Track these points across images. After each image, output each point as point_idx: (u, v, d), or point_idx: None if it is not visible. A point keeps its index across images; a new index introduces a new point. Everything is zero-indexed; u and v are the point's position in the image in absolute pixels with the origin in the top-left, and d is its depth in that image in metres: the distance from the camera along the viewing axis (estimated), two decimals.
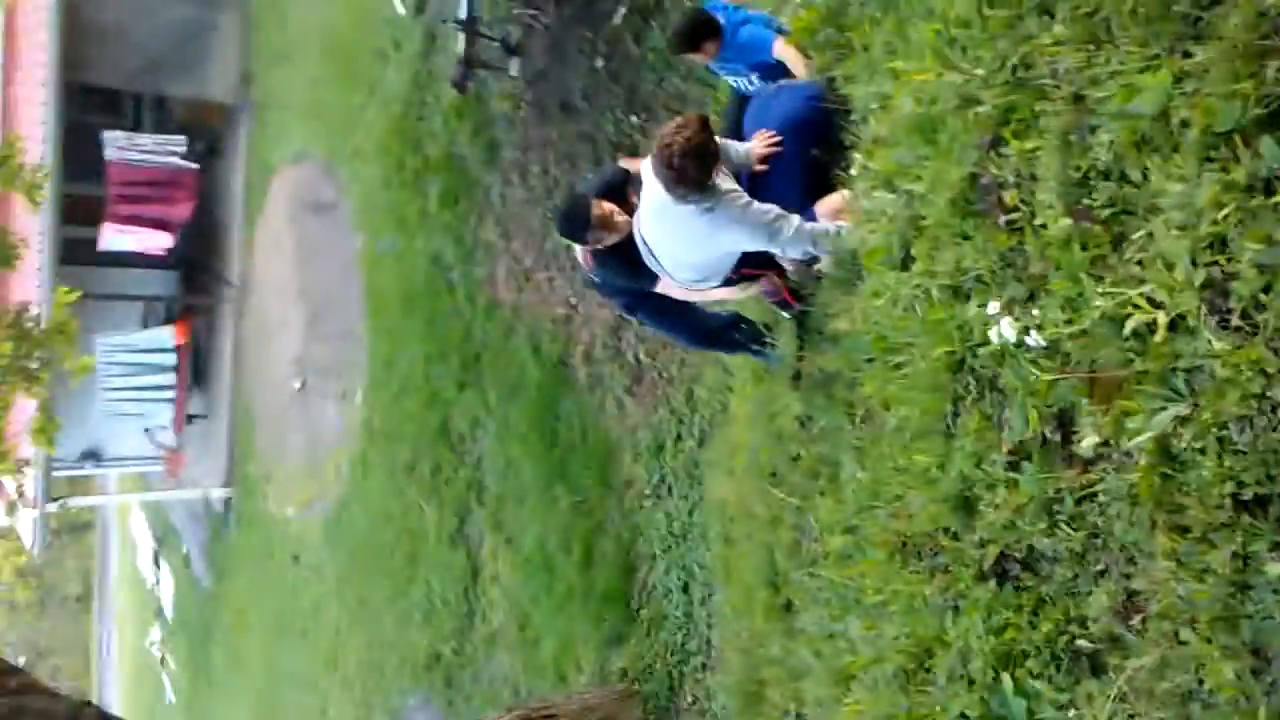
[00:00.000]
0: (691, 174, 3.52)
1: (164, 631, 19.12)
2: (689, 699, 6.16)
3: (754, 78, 4.79)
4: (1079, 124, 2.33)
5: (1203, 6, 2.12)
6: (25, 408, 9.97)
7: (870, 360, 3.10)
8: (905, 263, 2.91)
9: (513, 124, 8.74)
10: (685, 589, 6.37)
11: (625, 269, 4.55)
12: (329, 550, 11.94)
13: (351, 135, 11.58)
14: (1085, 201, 2.32)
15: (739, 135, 4.33)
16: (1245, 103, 2.00)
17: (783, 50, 4.53)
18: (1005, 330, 2.42)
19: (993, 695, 2.45)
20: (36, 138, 12.45)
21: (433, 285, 9.85)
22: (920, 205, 2.81)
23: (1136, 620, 2.19)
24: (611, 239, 4.42)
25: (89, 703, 4.54)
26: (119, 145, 13.86)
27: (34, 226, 12.08)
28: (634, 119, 7.27)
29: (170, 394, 14.94)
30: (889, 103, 3.06)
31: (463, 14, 8.48)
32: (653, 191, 3.87)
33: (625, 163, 4.82)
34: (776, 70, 4.58)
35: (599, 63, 7.61)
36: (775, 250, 3.82)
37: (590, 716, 6.36)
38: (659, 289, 4.57)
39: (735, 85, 4.99)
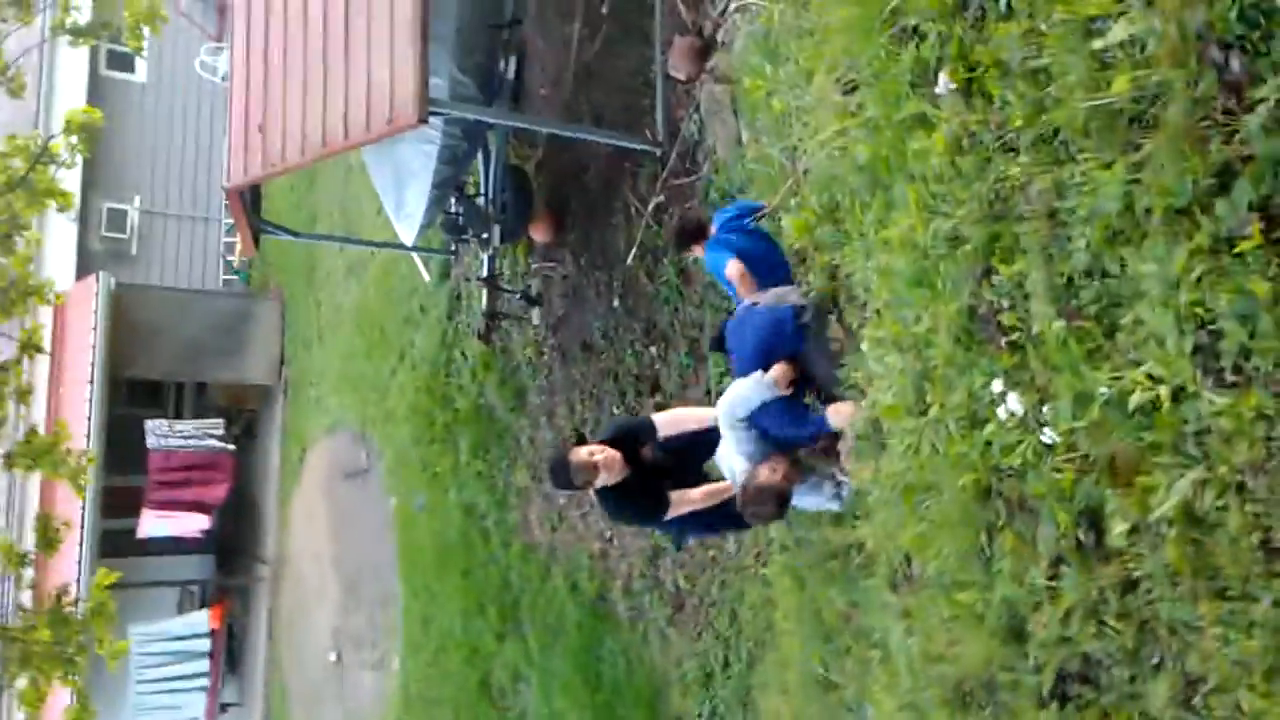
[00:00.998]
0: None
1: None
2: None
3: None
4: (1056, 236, 2.50)
5: (1143, 107, 2.31)
6: (61, 696, 9.75)
7: (902, 522, 3.09)
8: (923, 410, 2.98)
9: (537, 370, 9.02)
10: None
11: (623, 503, 4.82)
12: None
13: (384, 400, 11.93)
14: (1074, 303, 2.46)
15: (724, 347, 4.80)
16: (1195, 177, 2.17)
17: (732, 273, 5.01)
18: (1013, 404, 2.49)
19: None
20: (81, 432, 12.89)
21: (467, 536, 9.82)
22: (926, 351, 2.91)
23: (1199, 701, 2.11)
24: (602, 479, 4.53)
25: None
26: (159, 433, 14.32)
27: (75, 515, 12.29)
28: (653, 350, 7.50)
29: (203, 682, 14.60)
30: (885, 271, 3.22)
31: (484, 272, 8.98)
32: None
33: (660, 419, 4.96)
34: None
35: (615, 302, 7.95)
36: None
37: None
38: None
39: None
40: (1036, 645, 2.54)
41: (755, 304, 4.55)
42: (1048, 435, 2.45)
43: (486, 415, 9.74)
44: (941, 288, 2.87)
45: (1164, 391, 2.21)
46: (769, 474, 3.95)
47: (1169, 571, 2.22)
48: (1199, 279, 2.14)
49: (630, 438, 4.75)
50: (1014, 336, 2.64)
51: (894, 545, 3.23)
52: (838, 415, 4.02)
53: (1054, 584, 2.52)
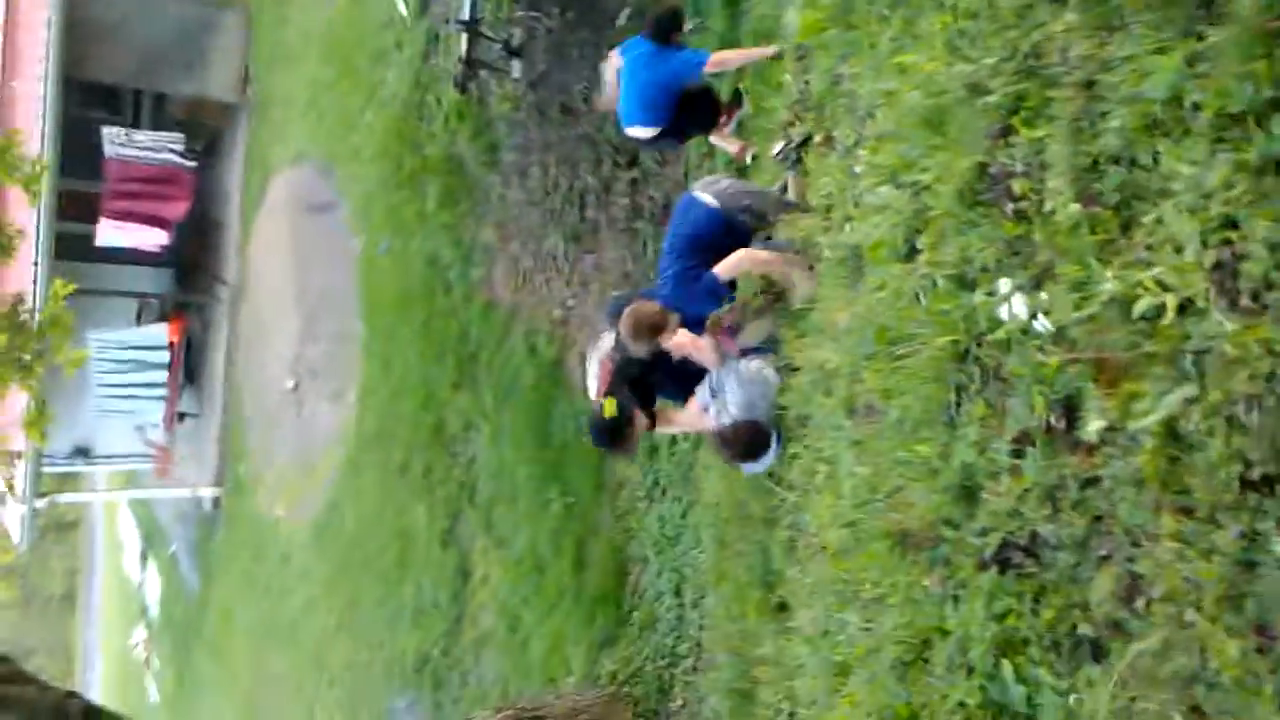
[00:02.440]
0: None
1: (149, 632, 19.01)
2: (679, 702, 6.13)
3: None
4: (1089, 110, 2.33)
5: None
6: (17, 401, 9.91)
7: (870, 356, 3.10)
8: (910, 255, 2.92)
9: (513, 126, 8.74)
10: (677, 591, 6.34)
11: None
12: (318, 551, 11.89)
13: (350, 136, 11.58)
14: (1095, 187, 2.32)
15: None
16: (1257, 84, 2.00)
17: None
18: (1017, 307, 2.41)
19: (992, 683, 2.44)
20: (35, 132, 12.43)
21: (429, 286, 9.84)
22: (927, 197, 2.82)
23: (1140, 604, 2.18)
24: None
25: (74, 693, 4.50)
26: (117, 142, 13.86)
27: (30, 220, 12.06)
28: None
29: (162, 391, 14.90)
30: (895, 98, 3.07)
31: (465, 15, 8.49)
32: None
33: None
34: None
35: (600, 65, 7.63)
36: None
37: (579, 718, 6.33)
38: None
39: None
40: (987, 512, 2.59)
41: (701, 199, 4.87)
42: (1040, 323, 2.39)
43: (457, 166, 9.52)
44: (954, 136, 2.73)
45: (1171, 301, 2.12)
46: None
47: (1137, 477, 2.22)
48: (1237, 195, 2.01)
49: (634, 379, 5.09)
50: (1022, 206, 2.52)
51: (856, 374, 3.26)
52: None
53: (1016, 460, 2.53)
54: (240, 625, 14.03)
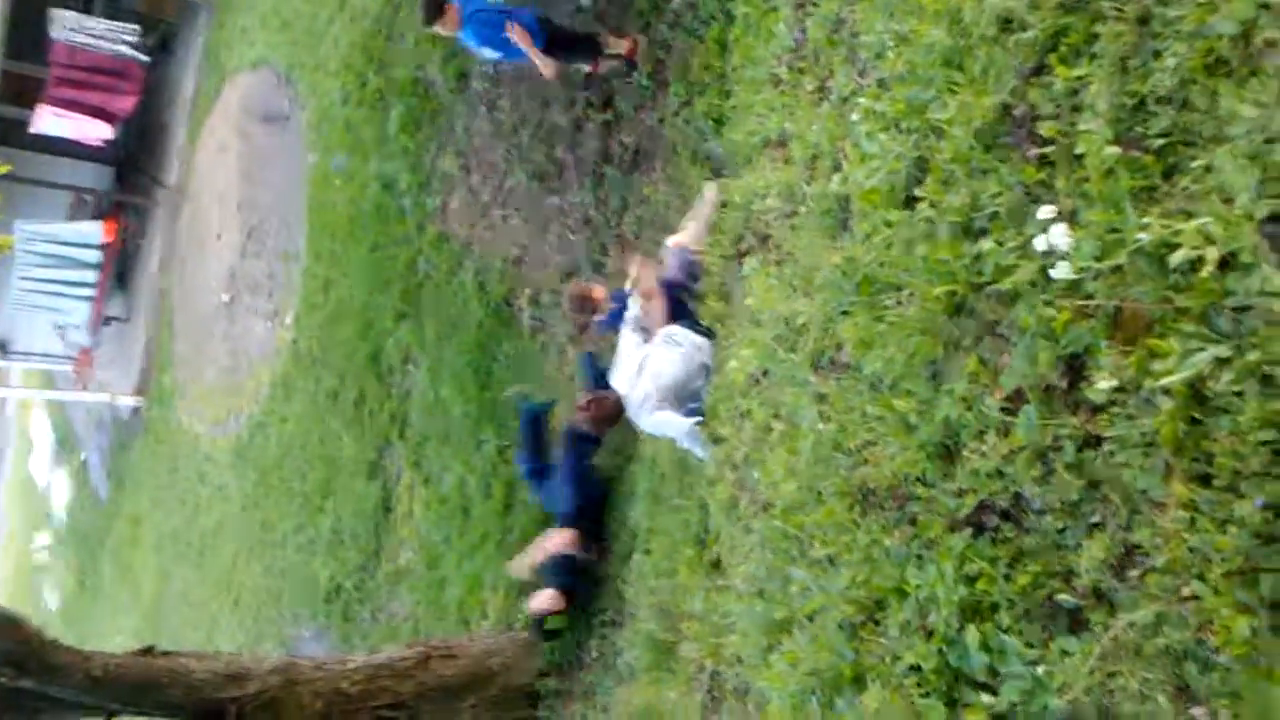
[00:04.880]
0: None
1: (53, 538, 18.47)
2: (593, 654, 6.04)
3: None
4: (1141, 47, 2.18)
5: None
6: None
7: (849, 308, 2.97)
8: (908, 203, 2.77)
9: None
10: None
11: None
12: (237, 471, 11.57)
13: (316, 47, 11.16)
14: (1137, 130, 2.18)
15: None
16: None
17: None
18: (1057, 238, 2.21)
19: (951, 648, 2.34)
20: None
21: (382, 210, 9.54)
22: (933, 142, 2.67)
23: (1134, 574, 2.07)
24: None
25: None
26: (67, 26, 13.23)
27: None
28: (613, 63, 7.06)
29: (89, 292, 14.35)
30: (910, 39, 2.92)
31: None
32: None
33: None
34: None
35: (584, 1, 7.39)
36: None
37: (491, 660, 6.21)
38: None
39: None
40: (967, 472, 2.46)
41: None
42: (1059, 269, 2.22)
43: (423, 90, 9.20)
44: (977, 75, 2.57)
45: (1212, 254, 1.97)
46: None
47: (1147, 440, 2.09)
48: None
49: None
50: (1048, 150, 2.36)
51: (830, 328, 3.13)
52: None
53: (1008, 419, 2.40)
54: (148, 539, 13.66)
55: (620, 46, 6.79)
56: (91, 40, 13.35)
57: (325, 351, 10.19)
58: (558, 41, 6.69)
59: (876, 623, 2.60)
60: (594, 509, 6.18)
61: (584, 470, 6.24)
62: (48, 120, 13.36)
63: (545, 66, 6.62)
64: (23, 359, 15.98)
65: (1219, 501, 1.97)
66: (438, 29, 6.67)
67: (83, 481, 16.92)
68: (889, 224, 2.80)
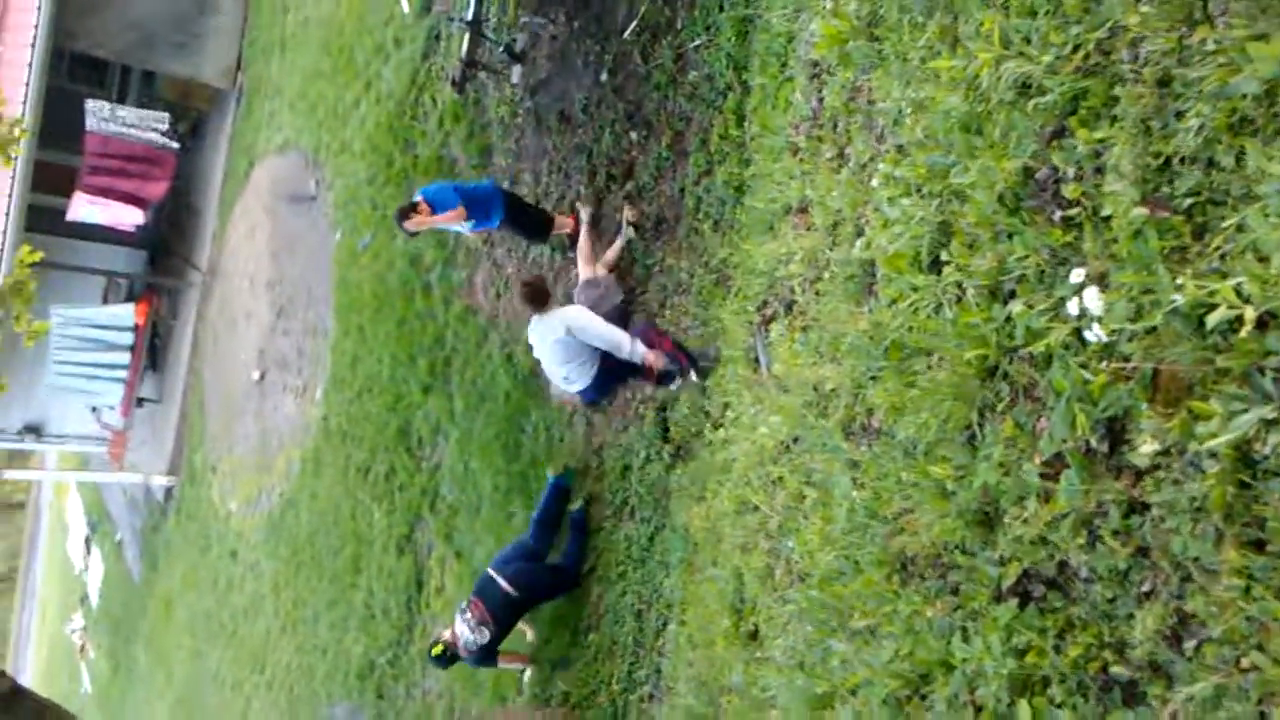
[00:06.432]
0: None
1: (87, 620, 18.49)
2: None
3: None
4: (1162, 108, 2.18)
5: None
6: None
7: (879, 374, 2.95)
8: (934, 267, 2.77)
9: (508, 130, 8.60)
10: (638, 615, 6.16)
11: None
12: (269, 548, 11.58)
13: (342, 129, 11.40)
14: (1164, 190, 2.16)
15: None
16: None
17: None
18: (1090, 301, 2.19)
19: None
20: (17, 99, 12.17)
21: (408, 286, 9.65)
22: (955, 207, 2.67)
23: (1190, 645, 2.01)
24: None
25: (2, 672, 4.28)
26: (100, 116, 13.61)
27: (2, 187, 11.79)
28: (633, 135, 7.16)
29: (122, 374, 14.55)
30: (928, 105, 2.94)
31: (469, 15, 8.36)
32: None
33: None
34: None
35: (604, 76, 7.51)
36: None
37: None
38: None
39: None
40: (1009, 539, 2.40)
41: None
42: (1094, 332, 2.19)
43: (448, 167, 9.36)
44: (997, 139, 2.57)
45: (1250, 314, 1.94)
46: None
47: (1195, 506, 2.04)
48: None
49: None
50: (1073, 213, 2.34)
51: (860, 394, 3.11)
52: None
53: (1049, 484, 2.35)
54: (181, 619, 13.64)
55: (566, 226, 7.50)
56: (124, 129, 13.72)
57: (354, 426, 10.25)
58: (513, 215, 7.38)
59: (923, 697, 2.53)
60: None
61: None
62: (82, 207, 13.69)
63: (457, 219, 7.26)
64: (58, 442, 16.16)
65: (1274, 568, 1.92)
66: (410, 227, 7.28)
67: (116, 562, 16.98)
68: (915, 289, 2.79)
